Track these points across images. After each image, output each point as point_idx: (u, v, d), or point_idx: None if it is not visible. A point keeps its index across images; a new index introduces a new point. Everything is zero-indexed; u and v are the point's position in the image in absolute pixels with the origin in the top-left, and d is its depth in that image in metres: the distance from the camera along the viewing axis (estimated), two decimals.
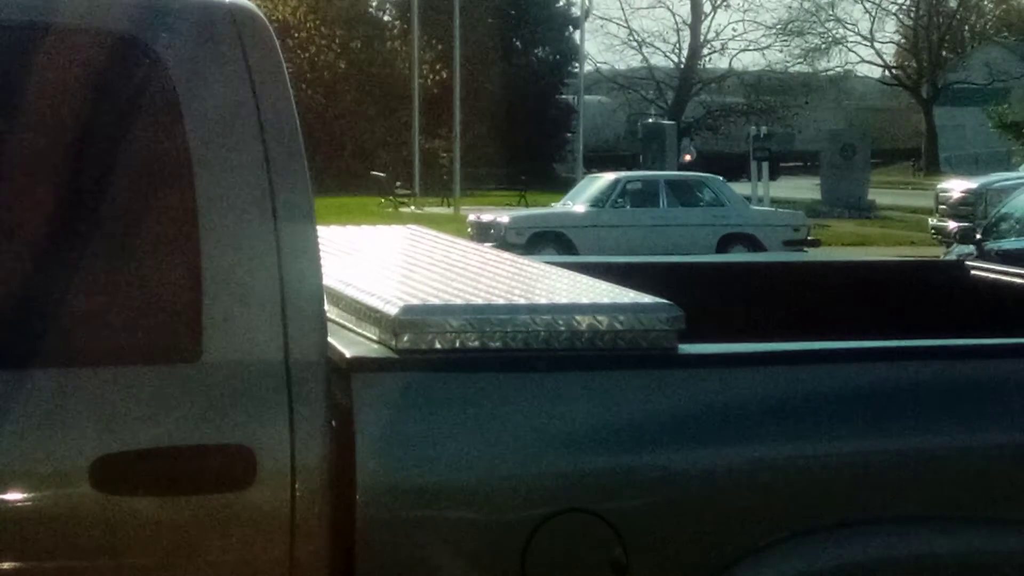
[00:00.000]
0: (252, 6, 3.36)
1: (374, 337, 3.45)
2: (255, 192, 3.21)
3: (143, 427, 3.11)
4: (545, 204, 32.01)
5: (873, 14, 73.18)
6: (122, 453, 3.08)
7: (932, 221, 28.73)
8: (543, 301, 3.61)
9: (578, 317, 3.42)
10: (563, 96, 62.09)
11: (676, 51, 69.52)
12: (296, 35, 50.29)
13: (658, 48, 69.96)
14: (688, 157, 51.67)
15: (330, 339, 3.32)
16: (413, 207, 39.49)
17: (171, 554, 3.11)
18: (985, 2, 77.75)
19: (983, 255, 16.52)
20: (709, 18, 69.81)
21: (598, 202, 25.89)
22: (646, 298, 3.60)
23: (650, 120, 52.19)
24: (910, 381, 3.61)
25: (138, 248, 3.18)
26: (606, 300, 3.60)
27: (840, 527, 3.46)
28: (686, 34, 69.26)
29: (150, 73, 3.20)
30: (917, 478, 3.53)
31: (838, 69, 72.92)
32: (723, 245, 25.06)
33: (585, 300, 3.61)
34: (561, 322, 3.40)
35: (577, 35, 55.86)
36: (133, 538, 3.09)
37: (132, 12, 3.25)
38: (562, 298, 3.68)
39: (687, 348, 3.48)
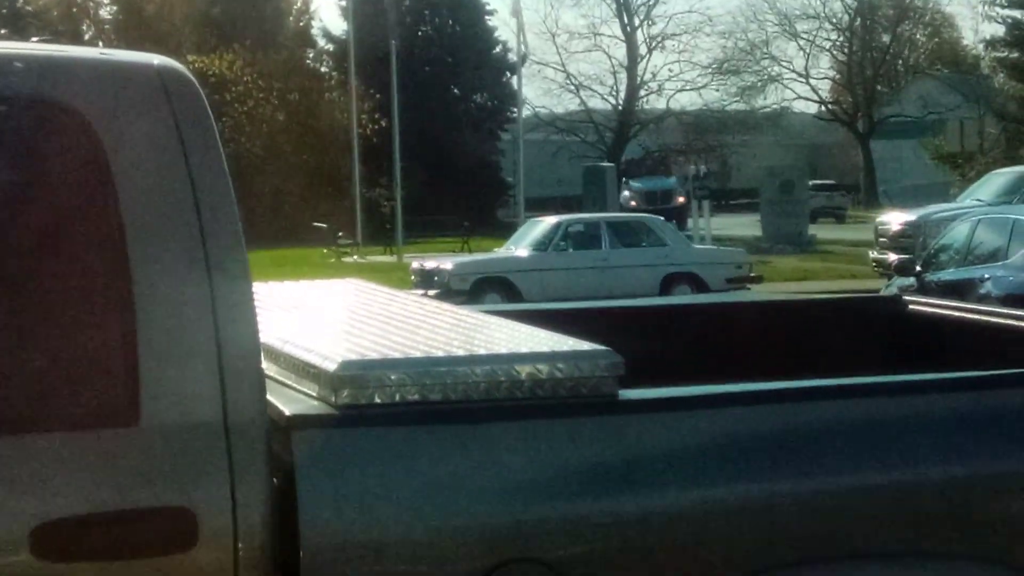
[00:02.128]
0: (179, 66, 3.36)
1: (314, 394, 3.44)
2: (188, 252, 3.20)
3: (82, 493, 3.08)
4: (488, 249, 32.02)
5: (807, 51, 73.74)
6: (62, 520, 3.05)
7: (872, 254, 28.90)
8: (483, 352, 3.61)
9: (518, 367, 3.42)
10: (502, 141, 62.28)
11: (614, 93, 69.90)
12: (234, 89, 50.21)
13: (596, 91, 70.09)
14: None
15: (269, 397, 3.30)
16: (356, 256, 39.42)
17: None
18: (918, 36, 78.53)
19: (923, 287, 16.64)
20: (645, 60, 70.21)
21: (541, 246, 25.92)
22: (585, 345, 3.60)
23: (590, 163, 52.39)
24: (852, 419, 3.63)
25: (72, 313, 3.16)
26: (545, 348, 3.60)
27: (792, 565, 3.46)
28: (623, 76, 69.67)
29: (79, 138, 3.18)
30: (862, 514, 3.54)
31: (775, 106, 73.44)
32: (667, 285, 25.13)
33: (525, 349, 3.61)
34: (501, 372, 3.40)
35: (515, 80, 56.04)
36: None
37: (59, 78, 3.24)
38: (502, 348, 3.68)
39: (627, 393, 3.49)
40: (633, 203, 53.37)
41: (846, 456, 3.55)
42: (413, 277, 25.18)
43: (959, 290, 15.59)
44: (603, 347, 3.55)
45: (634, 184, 57.48)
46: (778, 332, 5.58)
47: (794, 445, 3.52)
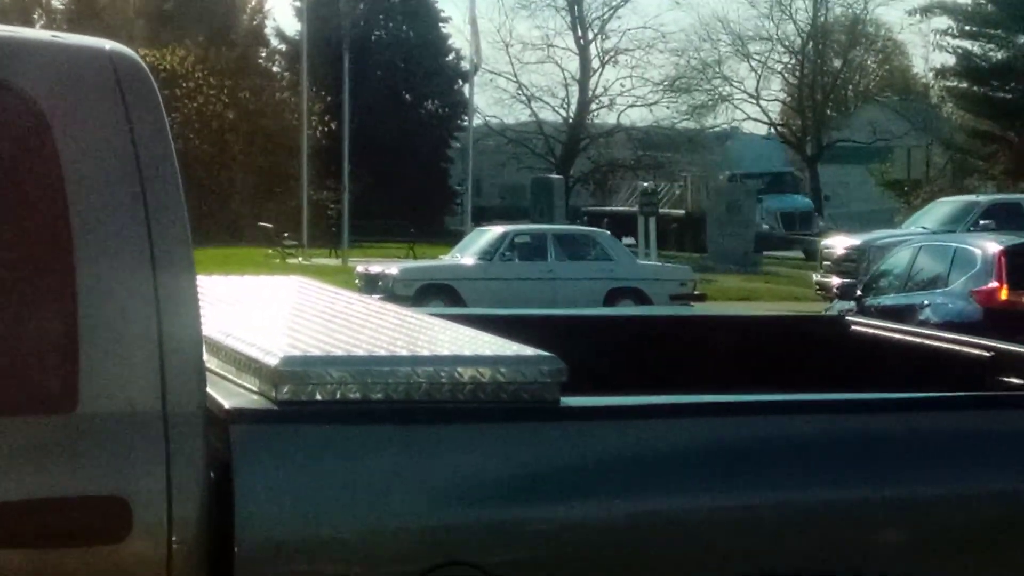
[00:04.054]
0: (131, 53, 3.33)
1: (254, 388, 3.42)
2: (133, 240, 3.17)
3: (16, 478, 3.05)
4: (434, 256, 31.98)
5: (759, 72, 73.92)
6: None
7: (816, 277, 29.05)
8: (426, 353, 3.60)
9: (460, 369, 3.41)
10: (452, 148, 62.28)
11: (565, 106, 69.96)
12: (184, 84, 49.92)
13: (547, 103, 70.09)
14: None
15: (209, 390, 3.28)
16: (301, 258, 39.28)
17: None
18: (868, 63, 79.00)
19: (863, 311, 16.72)
20: (597, 74, 70.25)
21: (487, 255, 25.92)
22: (528, 350, 3.60)
23: (539, 174, 52.39)
24: (790, 434, 3.64)
25: (12, 297, 3.12)
26: (488, 352, 3.59)
27: None
28: (575, 89, 69.70)
29: (26, 118, 3.15)
30: (798, 531, 3.56)
31: (724, 126, 73.68)
32: (611, 299, 25.16)
33: (468, 352, 3.61)
34: (443, 374, 3.39)
35: (467, 88, 56.01)
36: None
37: (9, 57, 3.20)
38: (445, 350, 3.67)
39: (569, 401, 3.48)
40: (766, 226, 47.76)
41: (786, 470, 3.56)
42: (358, 281, 25.11)
43: (899, 315, 15.67)
44: (547, 353, 3.55)
45: (770, 203, 50.74)
46: (722, 348, 5.60)
47: (733, 458, 3.53)
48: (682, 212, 48.98)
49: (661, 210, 46.03)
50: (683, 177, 55.53)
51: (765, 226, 47.84)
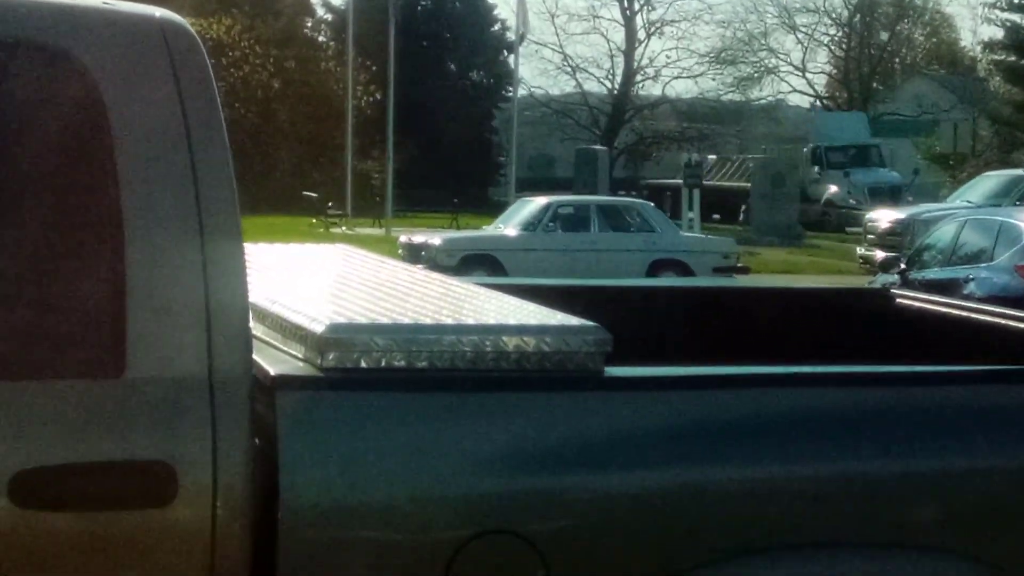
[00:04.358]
0: (183, 21, 3.34)
1: (300, 355, 3.44)
2: (182, 207, 3.19)
3: (64, 442, 3.08)
4: (477, 227, 31.98)
5: (805, 45, 73.66)
6: (42, 468, 3.05)
7: (860, 251, 28.94)
8: (470, 322, 3.61)
9: (505, 338, 3.42)
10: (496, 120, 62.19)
11: (610, 77, 69.78)
12: (230, 54, 50.04)
13: (592, 74, 69.90)
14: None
15: (255, 356, 3.30)
16: (344, 228, 39.35)
17: (90, 571, 3.08)
18: (915, 35, 78.54)
19: (907, 284, 16.66)
20: (643, 45, 70.05)
21: (529, 226, 25.89)
22: (573, 320, 3.60)
23: (583, 146, 52.27)
24: (835, 406, 3.63)
25: (62, 262, 3.15)
26: (533, 322, 3.60)
27: (767, 550, 3.47)
28: (620, 60, 69.51)
29: (78, 86, 3.17)
30: (843, 502, 3.55)
31: (770, 98, 73.38)
32: (653, 271, 25.11)
33: (512, 321, 3.61)
34: (488, 343, 3.40)
35: (512, 59, 55.95)
36: (52, 554, 3.06)
37: (61, 25, 3.22)
38: (490, 319, 3.68)
39: (613, 371, 3.49)
40: (852, 201, 46.03)
41: (828, 443, 3.55)
42: (401, 251, 25.14)
43: (943, 289, 15.61)
44: (592, 323, 3.55)
45: (857, 177, 48.50)
46: (766, 319, 5.59)
47: (776, 430, 3.52)
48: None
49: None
50: (762, 149, 54.54)
51: (852, 201, 46.57)
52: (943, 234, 18.43)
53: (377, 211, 42.05)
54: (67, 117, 3.18)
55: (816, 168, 50.84)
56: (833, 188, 48.26)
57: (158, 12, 3.33)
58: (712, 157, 47.61)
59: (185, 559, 3.12)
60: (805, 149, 52.44)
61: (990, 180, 31.85)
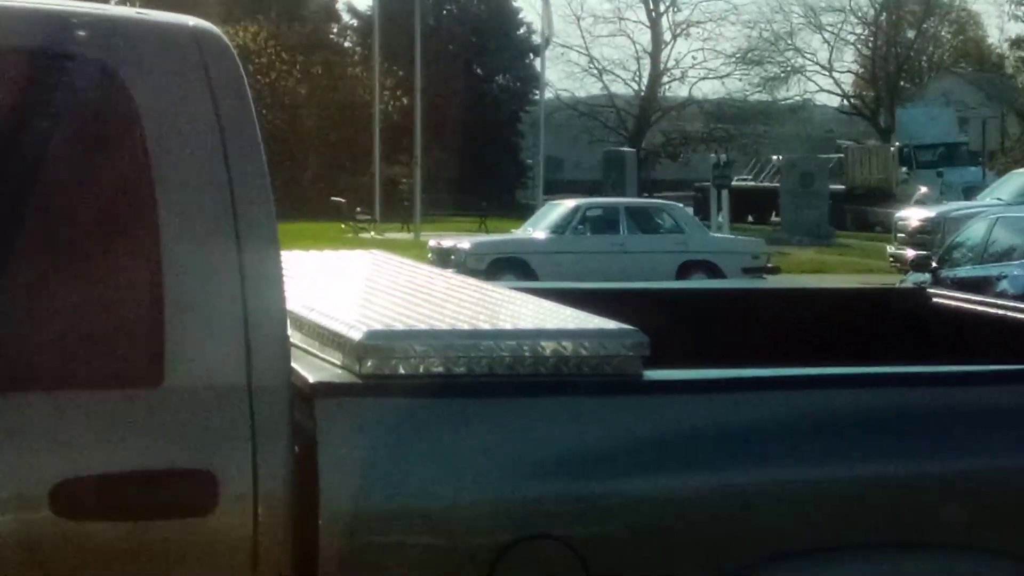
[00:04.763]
0: (215, 29, 3.35)
1: (338, 362, 3.44)
2: (218, 215, 3.19)
3: (104, 452, 3.08)
4: (505, 230, 32.00)
5: (832, 44, 73.49)
6: (83, 478, 3.05)
7: (890, 249, 28.87)
8: (508, 327, 3.60)
9: (543, 343, 3.41)
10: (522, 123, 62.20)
11: (636, 79, 69.77)
12: (257, 60, 50.19)
13: (618, 76, 69.92)
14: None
15: (293, 364, 3.30)
16: (373, 233, 39.43)
17: None
18: (943, 33, 78.30)
19: (938, 283, 16.61)
20: (669, 46, 70.05)
21: (558, 228, 25.92)
22: (611, 324, 3.59)
23: (611, 148, 52.23)
24: (874, 407, 3.62)
25: (100, 271, 3.16)
26: (571, 326, 3.59)
27: (810, 552, 3.46)
28: (646, 62, 69.51)
29: (114, 95, 3.17)
30: (882, 504, 3.54)
31: (797, 98, 73.28)
32: (683, 272, 25.10)
33: (550, 326, 3.61)
34: (526, 348, 3.39)
35: (538, 62, 55.96)
36: (93, 563, 3.06)
37: (96, 35, 3.23)
38: (527, 324, 3.67)
39: (652, 374, 3.48)
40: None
41: (869, 444, 3.54)
42: (430, 255, 25.17)
43: (975, 287, 15.56)
44: (629, 327, 3.54)
45: (951, 176, 45.61)
46: (800, 320, 5.56)
47: (817, 431, 3.51)
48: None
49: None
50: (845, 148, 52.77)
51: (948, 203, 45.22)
52: (974, 232, 18.39)
53: (405, 216, 42.11)
54: (103, 128, 3.19)
55: (904, 168, 48.84)
56: (924, 189, 44.83)
57: (191, 21, 3.34)
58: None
59: (227, 568, 3.12)
60: (892, 148, 50.77)
61: (1020, 177, 31.71)
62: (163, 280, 3.14)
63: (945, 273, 17.35)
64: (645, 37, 69.47)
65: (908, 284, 17.40)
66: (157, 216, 3.15)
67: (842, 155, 51.86)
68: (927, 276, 17.51)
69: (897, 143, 51.49)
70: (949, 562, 3.58)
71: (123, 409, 3.12)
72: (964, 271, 17.27)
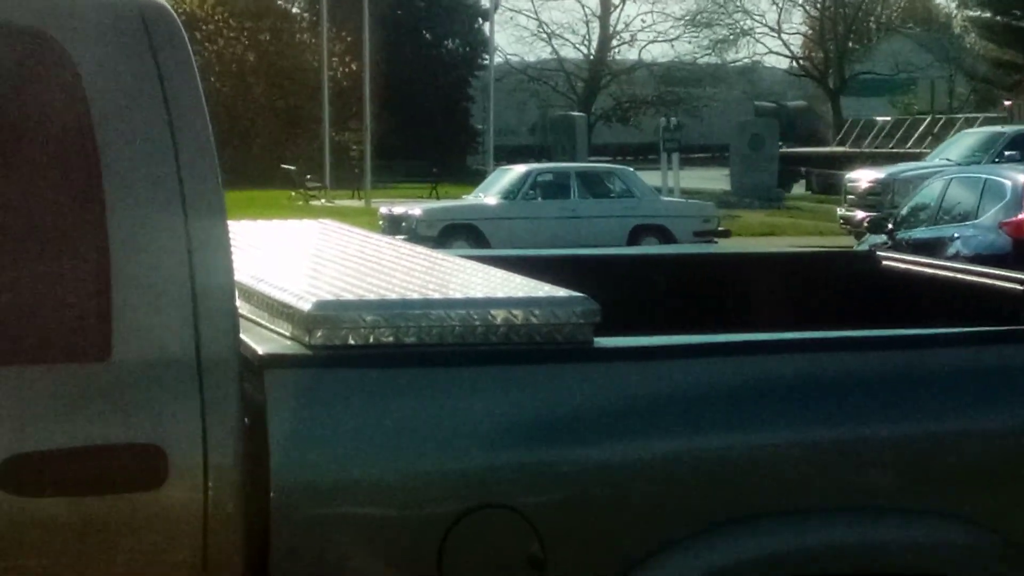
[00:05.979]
0: (161, 2, 3.31)
1: (287, 333, 3.42)
2: (164, 188, 3.16)
3: (52, 427, 3.06)
4: (456, 196, 31.98)
5: (780, 5, 73.61)
6: (31, 453, 3.03)
7: (840, 211, 28.98)
8: (458, 295, 3.59)
9: (493, 311, 3.40)
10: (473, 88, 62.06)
11: (586, 43, 69.75)
12: (204, 27, 49.89)
13: (568, 40, 69.92)
14: None
15: (242, 336, 3.28)
16: (324, 200, 39.32)
17: (82, 555, 3.07)
18: None
19: (895, 245, 16.68)
20: (618, 9, 70.05)
21: (509, 194, 25.91)
22: (561, 292, 3.59)
23: (560, 112, 52.18)
24: (824, 372, 3.62)
25: (45, 246, 3.12)
26: (521, 294, 3.58)
27: (758, 518, 3.46)
28: (595, 26, 69.51)
29: (57, 68, 3.14)
30: (831, 469, 3.54)
31: (746, 60, 73.42)
32: (634, 236, 25.14)
33: (500, 294, 3.59)
34: (476, 316, 3.38)
35: (487, 27, 55.82)
36: (43, 539, 3.05)
37: (39, 6, 3.19)
38: (477, 292, 3.66)
39: (602, 341, 3.47)
40: None
41: (820, 409, 3.54)
42: (381, 222, 25.12)
43: (930, 248, 15.64)
44: (579, 294, 3.53)
45: None
46: (753, 285, 5.57)
47: (767, 397, 3.51)
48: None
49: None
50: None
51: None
52: (929, 193, 18.44)
53: (356, 183, 42.00)
54: (46, 101, 3.15)
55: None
56: None
57: None
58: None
59: (177, 541, 3.10)
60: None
61: (969, 138, 31.90)
62: (109, 253, 3.11)
63: (901, 235, 17.40)
64: (594, 0, 69.44)
65: (865, 246, 17.49)
66: (102, 188, 3.12)
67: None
68: (884, 238, 17.56)
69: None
70: (901, 527, 3.59)
71: (70, 384, 3.09)
72: (920, 232, 17.32)
